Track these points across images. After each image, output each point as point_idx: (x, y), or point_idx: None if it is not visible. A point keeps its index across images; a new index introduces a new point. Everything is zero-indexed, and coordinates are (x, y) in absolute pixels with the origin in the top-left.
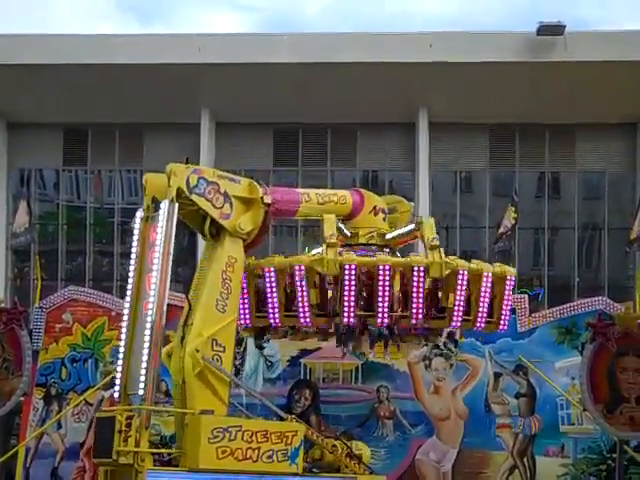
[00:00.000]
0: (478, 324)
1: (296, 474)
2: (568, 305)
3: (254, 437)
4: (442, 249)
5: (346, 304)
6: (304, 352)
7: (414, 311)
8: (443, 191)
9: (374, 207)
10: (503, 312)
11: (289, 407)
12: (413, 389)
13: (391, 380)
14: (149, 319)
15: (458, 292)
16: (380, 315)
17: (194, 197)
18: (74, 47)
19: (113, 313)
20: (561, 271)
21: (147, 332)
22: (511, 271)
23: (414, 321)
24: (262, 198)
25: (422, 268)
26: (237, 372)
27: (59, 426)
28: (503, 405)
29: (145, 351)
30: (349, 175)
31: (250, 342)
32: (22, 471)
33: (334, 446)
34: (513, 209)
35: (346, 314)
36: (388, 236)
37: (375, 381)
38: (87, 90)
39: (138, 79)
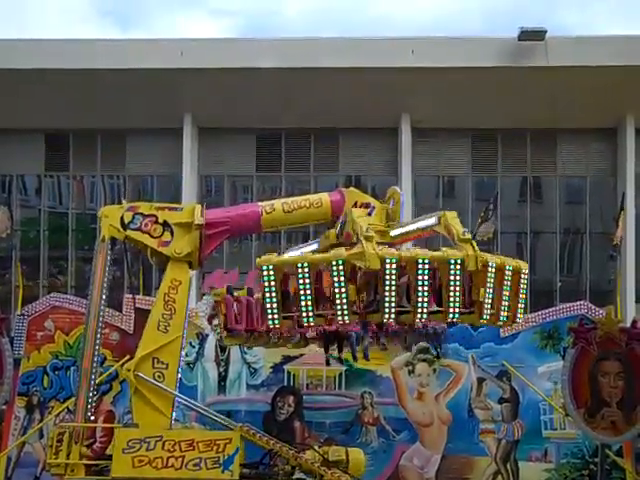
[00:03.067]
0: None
1: None
2: (550, 310)
3: (177, 446)
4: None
5: (387, 301)
6: (287, 358)
7: (451, 307)
8: (426, 196)
9: (354, 203)
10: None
11: (273, 414)
12: (397, 395)
13: (375, 386)
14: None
15: (488, 286)
16: (420, 312)
17: (129, 232)
18: (56, 52)
19: None
20: (543, 275)
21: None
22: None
23: (450, 317)
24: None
25: (459, 261)
26: (222, 379)
27: (41, 435)
28: (486, 410)
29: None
30: (332, 180)
31: (234, 349)
32: None
33: (298, 452)
34: (483, 209)
35: (387, 311)
36: (395, 232)
37: (359, 387)
38: (69, 95)
39: (120, 84)
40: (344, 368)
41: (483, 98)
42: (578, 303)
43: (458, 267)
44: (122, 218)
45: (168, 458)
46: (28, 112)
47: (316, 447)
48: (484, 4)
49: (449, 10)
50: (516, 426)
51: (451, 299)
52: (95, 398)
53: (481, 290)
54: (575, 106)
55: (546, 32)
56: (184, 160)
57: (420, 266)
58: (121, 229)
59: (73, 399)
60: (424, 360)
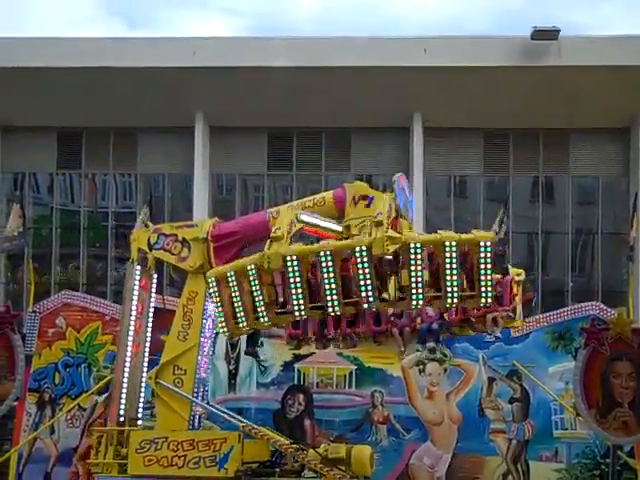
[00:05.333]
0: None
1: (225, 478)
2: (562, 310)
3: (180, 446)
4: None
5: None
6: (298, 357)
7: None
8: (437, 196)
9: (353, 197)
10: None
11: (283, 412)
12: (407, 394)
13: (385, 385)
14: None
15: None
16: (450, 296)
17: (154, 252)
18: (68, 50)
19: (107, 318)
20: (555, 276)
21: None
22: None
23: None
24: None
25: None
26: (232, 377)
27: (52, 431)
28: (497, 410)
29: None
30: (343, 179)
31: (244, 347)
32: (15, 476)
33: (298, 450)
34: (502, 211)
35: (414, 298)
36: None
37: (369, 386)
38: (81, 93)
39: (132, 82)
40: (354, 367)
41: (495, 98)
42: (590, 303)
43: (489, 250)
44: (149, 240)
45: (172, 457)
46: (40, 110)
47: (323, 445)
48: (493, 3)
49: (458, 9)
50: (527, 426)
51: (482, 283)
52: (141, 402)
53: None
54: (588, 106)
55: (559, 31)
56: (196, 159)
57: (447, 249)
58: (148, 250)
59: (84, 395)
60: (435, 359)
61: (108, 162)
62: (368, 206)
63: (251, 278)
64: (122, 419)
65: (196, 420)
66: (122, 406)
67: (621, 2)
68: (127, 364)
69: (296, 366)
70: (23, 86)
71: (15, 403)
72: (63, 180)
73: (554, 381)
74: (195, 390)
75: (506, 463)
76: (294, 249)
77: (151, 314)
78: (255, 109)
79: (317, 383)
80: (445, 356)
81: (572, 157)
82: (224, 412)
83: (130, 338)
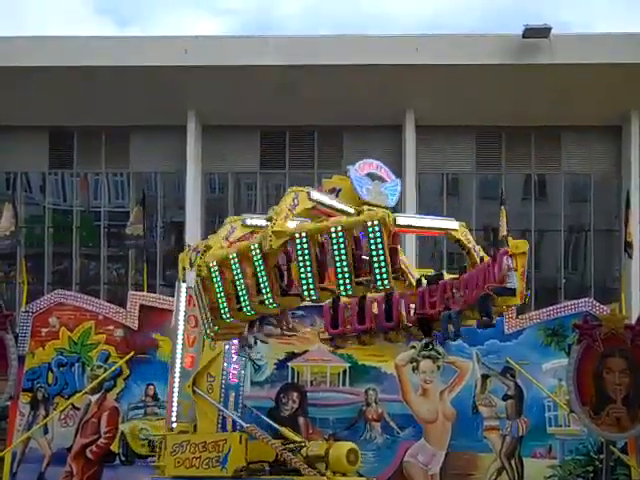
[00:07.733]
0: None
1: (224, 477)
2: (555, 307)
3: (197, 448)
4: None
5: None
6: (292, 355)
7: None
8: (430, 194)
9: (325, 191)
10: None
11: (277, 410)
12: (401, 391)
13: (379, 383)
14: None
15: None
16: None
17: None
18: (59, 49)
19: (100, 317)
20: (547, 273)
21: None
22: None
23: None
24: None
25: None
26: None
27: (46, 431)
28: (491, 407)
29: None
30: None
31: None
32: (9, 476)
33: (284, 449)
34: (504, 213)
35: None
36: (405, 221)
37: (363, 384)
38: (73, 92)
39: (124, 81)
40: (348, 365)
41: (487, 95)
42: (582, 300)
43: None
44: (190, 258)
45: (193, 458)
46: (32, 109)
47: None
48: (485, 1)
49: (449, 7)
50: (520, 423)
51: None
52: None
53: None
54: (579, 104)
55: (551, 29)
56: (188, 157)
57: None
58: (189, 268)
59: (77, 395)
60: (428, 357)
61: (100, 161)
62: (337, 196)
63: (255, 259)
64: (174, 425)
65: (228, 423)
66: (173, 413)
67: (609, 0)
68: (177, 375)
69: (290, 364)
70: (14, 85)
71: (8, 403)
72: (55, 179)
73: (547, 378)
74: (224, 395)
75: (500, 460)
76: (302, 226)
77: None
78: (247, 108)
79: (311, 381)
80: (439, 353)
81: (564, 155)
82: (258, 414)
83: (179, 352)
